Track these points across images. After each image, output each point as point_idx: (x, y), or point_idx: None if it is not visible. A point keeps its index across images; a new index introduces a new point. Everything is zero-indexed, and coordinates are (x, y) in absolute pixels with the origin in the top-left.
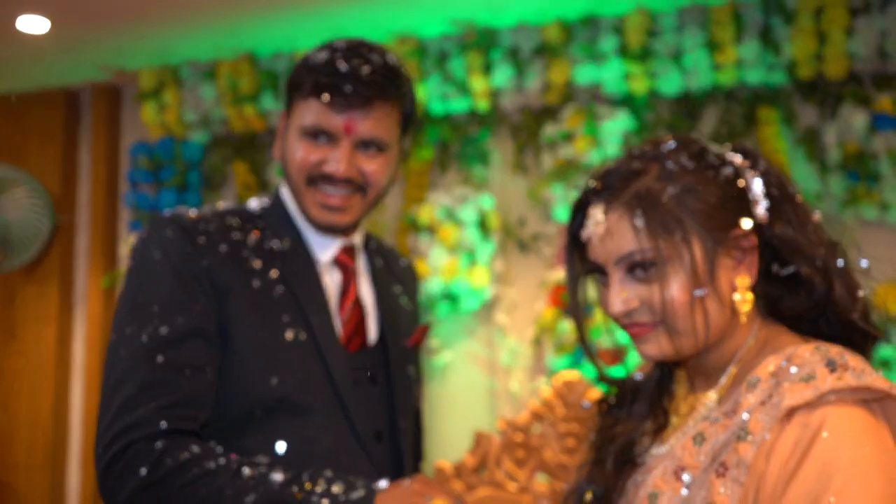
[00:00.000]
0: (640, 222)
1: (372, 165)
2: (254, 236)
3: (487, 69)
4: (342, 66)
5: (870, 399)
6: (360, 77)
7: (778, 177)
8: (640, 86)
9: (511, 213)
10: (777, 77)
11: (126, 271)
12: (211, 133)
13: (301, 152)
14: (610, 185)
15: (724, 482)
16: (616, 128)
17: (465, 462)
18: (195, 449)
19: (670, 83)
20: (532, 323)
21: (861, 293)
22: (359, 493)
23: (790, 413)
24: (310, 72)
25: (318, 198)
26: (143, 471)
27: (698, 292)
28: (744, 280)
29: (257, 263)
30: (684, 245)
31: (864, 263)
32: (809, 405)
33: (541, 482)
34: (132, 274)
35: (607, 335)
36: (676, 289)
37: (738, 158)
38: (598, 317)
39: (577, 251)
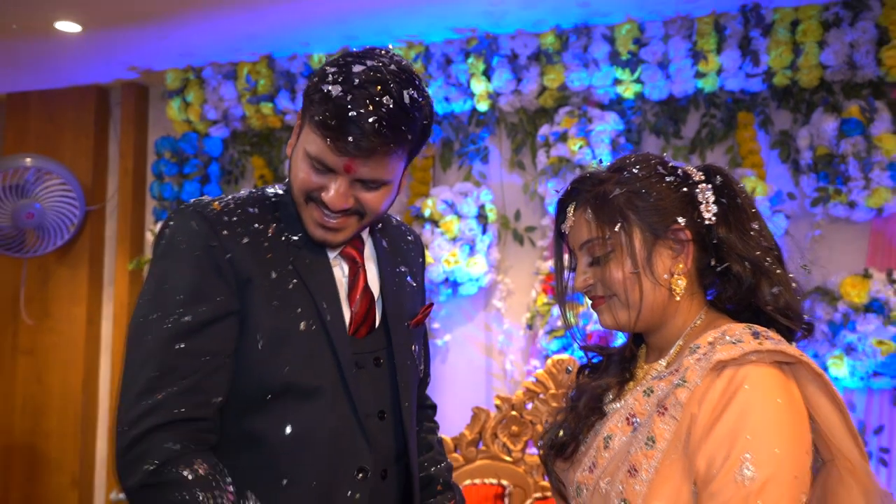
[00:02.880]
0: (590, 216)
1: (370, 196)
2: (272, 227)
3: (488, 73)
4: (350, 111)
5: (783, 362)
6: (365, 127)
7: (731, 189)
8: (628, 91)
9: (508, 207)
10: (755, 84)
11: (152, 257)
12: (231, 129)
13: (302, 174)
14: (580, 189)
15: (663, 419)
16: (606, 129)
17: (464, 435)
18: (199, 470)
19: (656, 89)
20: (526, 308)
21: (778, 291)
22: None
23: (719, 366)
24: (321, 102)
25: (314, 215)
26: (149, 468)
27: (632, 271)
28: (678, 266)
29: (274, 254)
30: (625, 235)
31: (803, 270)
32: (735, 362)
33: (533, 455)
34: (158, 261)
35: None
36: (616, 269)
37: (696, 173)
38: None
39: (562, 241)
